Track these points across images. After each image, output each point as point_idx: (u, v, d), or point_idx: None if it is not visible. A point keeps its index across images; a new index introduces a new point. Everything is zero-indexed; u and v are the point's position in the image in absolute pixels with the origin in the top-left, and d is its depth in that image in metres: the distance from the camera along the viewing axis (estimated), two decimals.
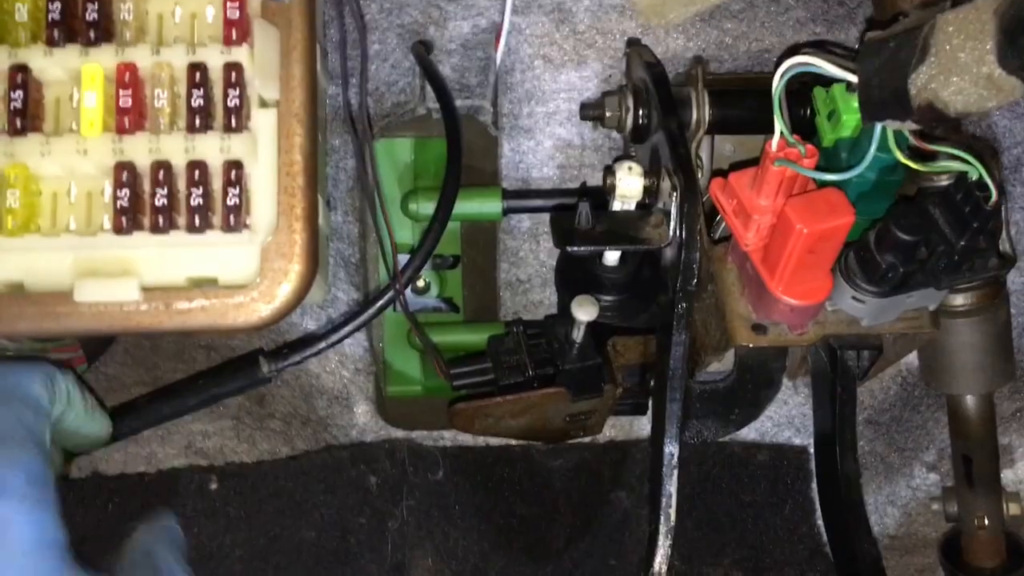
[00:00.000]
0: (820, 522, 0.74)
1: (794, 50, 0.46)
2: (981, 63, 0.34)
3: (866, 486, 0.75)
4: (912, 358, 0.72)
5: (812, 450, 0.72)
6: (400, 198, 0.67)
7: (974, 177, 0.44)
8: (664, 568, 0.54)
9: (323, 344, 0.54)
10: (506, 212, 0.67)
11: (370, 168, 0.64)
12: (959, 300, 0.61)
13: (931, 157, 0.45)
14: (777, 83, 0.44)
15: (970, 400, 0.66)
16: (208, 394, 0.54)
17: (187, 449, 0.64)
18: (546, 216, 0.71)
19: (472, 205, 0.66)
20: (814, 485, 0.73)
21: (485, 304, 0.72)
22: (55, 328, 0.43)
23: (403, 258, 0.66)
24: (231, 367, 0.54)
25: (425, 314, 0.70)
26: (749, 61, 0.69)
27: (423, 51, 0.66)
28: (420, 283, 0.71)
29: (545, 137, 0.71)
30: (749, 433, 0.75)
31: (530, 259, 0.73)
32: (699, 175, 0.57)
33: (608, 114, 0.60)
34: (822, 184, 0.47)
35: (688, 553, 0.71)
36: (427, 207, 0.64)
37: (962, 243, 0.46)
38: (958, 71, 0.35)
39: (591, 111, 0.62)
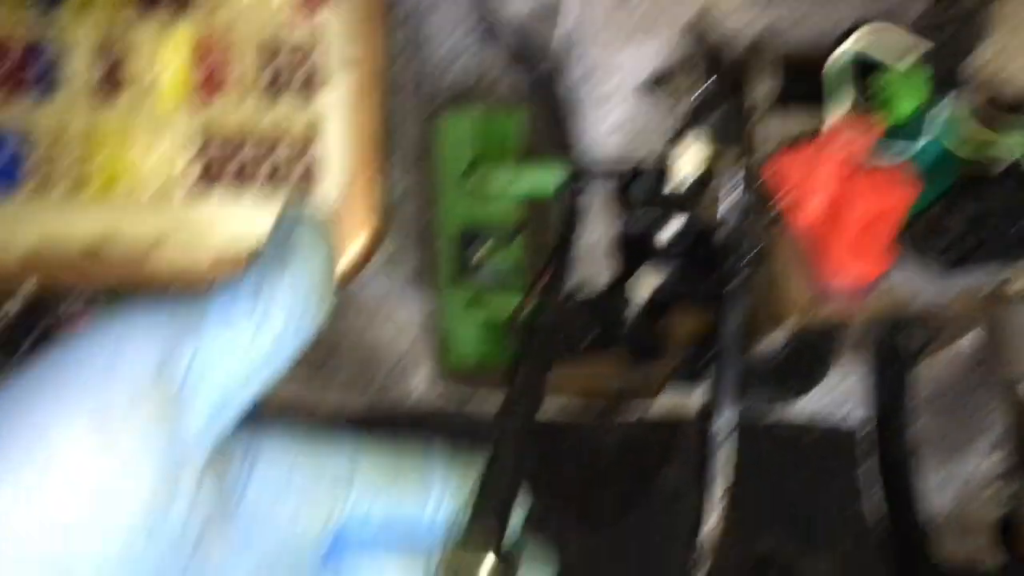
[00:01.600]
0: (871, 503, 0.74)
1: (859, 27, 0.46)
2: None
3: (922, 466, 0.75)
4: (977, 340, 0.71)
5: (866, 430, 0.73)
6: (462, 170, 0.69)
7: None
8: (714, 534, 0.55)
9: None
10: (566, 186, 0.68)
11: (433, 140, 0.65)
12: (1021, 281, 0.61)
13: (996, 134, 0.45)
14: (840, 59, 0.45)
15: None
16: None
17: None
18: (606, 190, 0.72)
19: (532, 179, 0.67)
20: (865, 465, 0.73)
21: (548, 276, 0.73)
22: (135, 285, 0.45)
23: (466, 231, 0.68)
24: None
25: (486, 282, 0.72)
26: (818, 38, 0.69)
27: (490, 24, 0.67)
28: (480, 256, 0.72)
29: (607, 112, 0.71)
30: (803, 411, 0.75)
31: (588, 231, 0.74)
32: (763, 150, 0.58)
33: (672, 88, 0.61)
34: (884, 159, 0.47)
35: (737, 525, 0.72)
36: (492, 181, 0.66)
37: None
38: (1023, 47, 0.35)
39: (655, 86, 0.63)
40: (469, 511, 0.33)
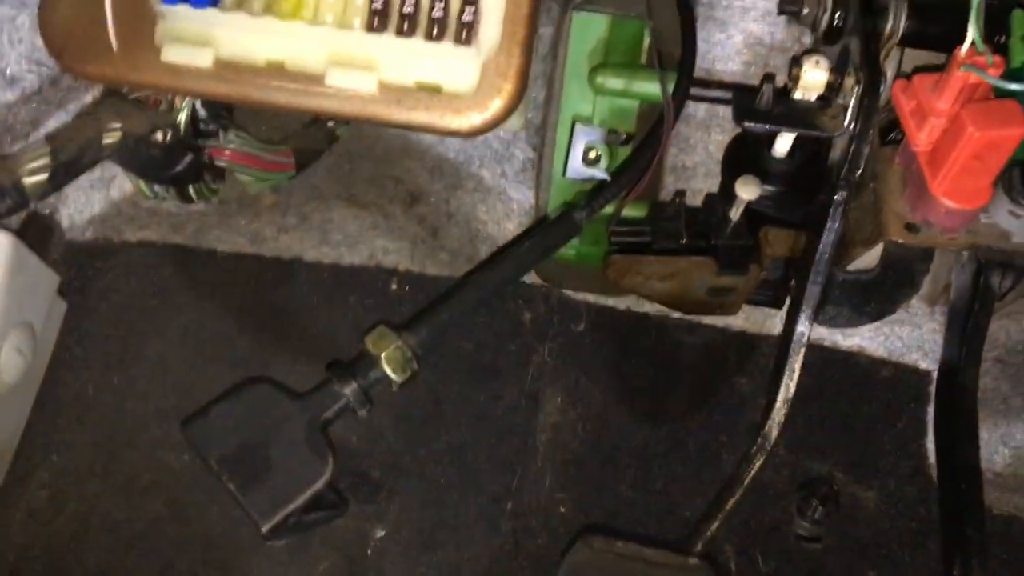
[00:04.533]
0: (929, 446, 0.77)
1: None
2: None
3: (983, 422, 0.76)
4: None
5: (935, 375, 0.75)
6: (589, 71, 0.72)
7: None
8: (774, 434, 0.59)
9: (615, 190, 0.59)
10: (685, 98, 0.71)
11: (567, 33, 0.68)
12: None
13: None
14: None
15: None
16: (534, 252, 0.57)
17: (369, 258, 0.73)
18: (721, 109, 0.75)
19: (651, 86, 0.70)
20: (930, 409, 0.76)
21: (650, 183, 0.76)
22: (304, 104, 0.51)
23: (582, 129, 0.72)
24: (544, 226, 0.59)
25: (592, 183, 0.75)
26: None
27: None
28: (592, 155, 0.76)
29: (736, 31, 0.74)
30: (878, 348, 0.78)
31: (699, 147, 0.77)
32: (887, 80, 0.60)
33: (806, 11, 0.63)
34: (1002, 95, 0.49)
35: (796, 445, 0.76)
36: (614, 82, 0.69)
37: None
38: None
39: (789, 6, 0.65)
40: None
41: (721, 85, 0.73)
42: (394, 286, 0.72)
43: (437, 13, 0.48)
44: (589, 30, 0.73)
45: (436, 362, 0.68)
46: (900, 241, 0.55)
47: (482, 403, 0.72)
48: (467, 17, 0.48)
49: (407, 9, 0.48)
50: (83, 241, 0.75)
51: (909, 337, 0.78)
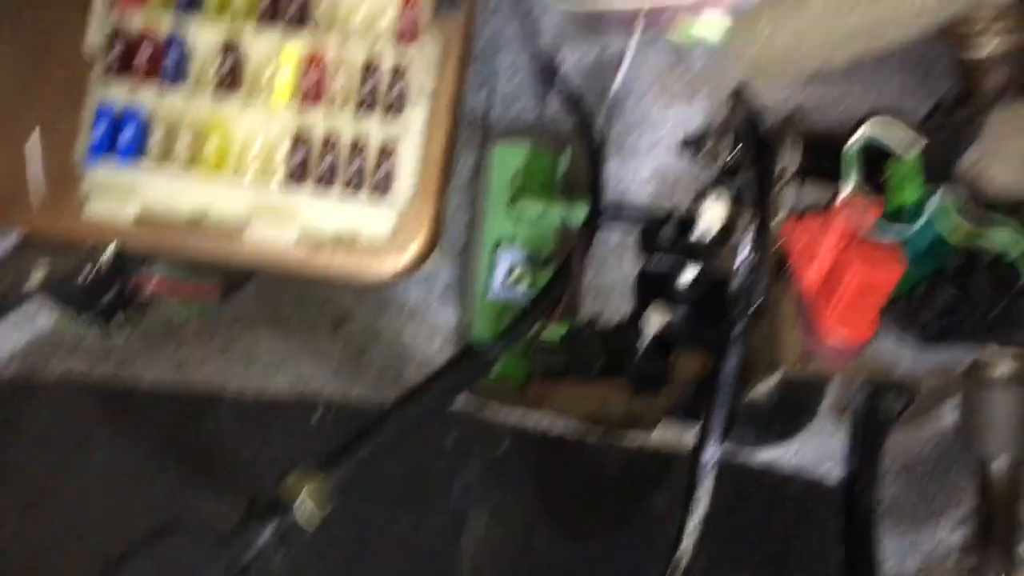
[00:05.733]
0: (839, 555, 0.79)
1: (872, 115, 0.53)
2: (1020, 155, 0.41)
3: (892, 530, 0.80)
4: (953, 419, 0.77)
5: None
6: (510, 197, 0.76)
7: (1012, 257, 0.51)
8: (689, 554, 0.61)
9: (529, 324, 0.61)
10: (598, 223, 0.74)
11: (486, 166, 0.73)
12: (1002, 368, 0.67)
13: (982, 228, 0.51)
14: (852, 142, 0.51)
15: (999, 464, 0.70)
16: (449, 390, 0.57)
17: (295, 383, 0.74)
18: (634, 233, 0.79)
19: (564, 212, 0.74)
20: (837, 523, 0.79)
21: (569, 305, 0.80)
22: (225, 255, 0.53)
23: (504, 251, 0.75)
24: (458, 363, 0.59)
25: (513, 302, 0.78)
26: (844, 119, 0.76)
27: (552, 69, 0.74)
28: (514, 275, 0.79)
29: (646, 162, 0.78)
30: (790, 460, 0.81)
31: (614, 270, 0.81)
32: (779, 215, 0.64)
33: (706, 149, 0.68)
34: (881, 237, 0.53)
35: (713, 558, 0.77)
36: (532, 208, 0.73)
37: (997, 310, 0.52)
38: (1002, 157, 0.42)
39: (691, 145, 0.69)
40: None
41: (632, 212, 0.77)
42: (318, 415, 0.73)
43: (354, 168, 0.51)
44: (509, 160, 0.77)
45: (358, 492, 0.69)
46: (794, 372, 0.58)
47: (406, 530, 0.73)
48: (383, 172, 0.51)
49: (325, 165, 0.51)
50: (2, 378, 0.75)
51: (819, 450, 0.81)
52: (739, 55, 0.38)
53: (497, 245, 0.76)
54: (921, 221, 0.52)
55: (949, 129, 0.46)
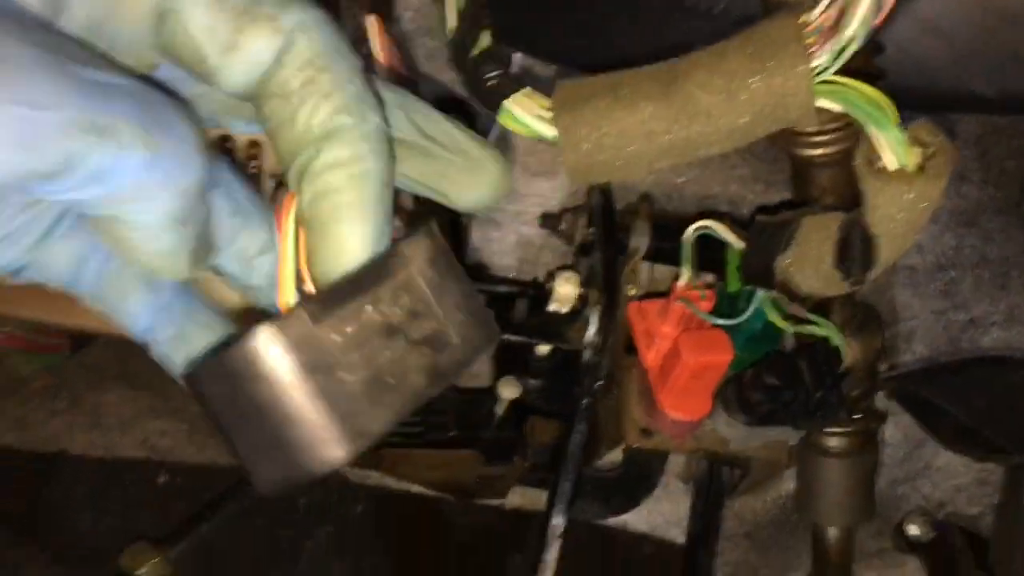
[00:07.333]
0: None
1: (708, 215, 0.56)
2: (822, 260, 0.44)
3: None
4: (793, 486, 0.81)
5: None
6: None
7: (834, 343, 0.54)
8: None
9: None
10: None
11: None
12: (832, 442, 0.71)
13: (801, 320, 0.55)
14: (687, 236, 0.54)
15: (832, 532, 0.75)
16: None
17: (143, 444, 0.73)
18: (496, 301, 0.81)
19: None
20: None
21: None
22: (62, 322, 0.52)
23: None
24: None
25: None
26: (695, 204, 0.80)
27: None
28: None
29: (511, 231, 0.81)
30: (640, 524, 0.84)
31: None
32: (633, 292, 0.67)
33: (563, 226, 0.71)
34: (716, 322, 0.57)
35: None
36: None
37: (818, 395, 0.55)
38: (808, 262, 0.45)
39: (550, 220, 0.72)
40: None
41: (493, 279, 0.79)
42: (164, 478, 0.72)
43: None
44: None
45: (205, 558, 0.68)
46: (636, 445, 0.61)
47: None
48: None
49: None
50: None
51: (669, 513, 0.84)
52: (568, 155, 0.40)
53: None
54: (747, 313, 0.55)
55: (767, 232, 0.50)
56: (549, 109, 0.41)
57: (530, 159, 0.80)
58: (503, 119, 0.43)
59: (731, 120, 0.38)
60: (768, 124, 0.39)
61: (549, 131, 0.41)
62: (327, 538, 0.75)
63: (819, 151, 0.57)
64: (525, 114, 0.42)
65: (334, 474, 0.76)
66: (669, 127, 0.39)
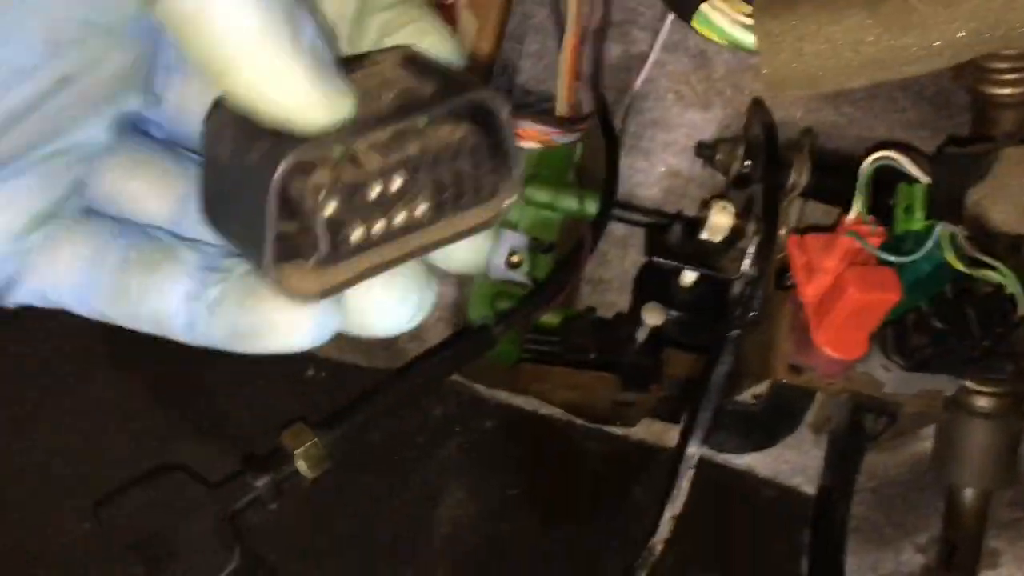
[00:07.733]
0: (804, 566, 0.81)
1: (884, 145, 0.54)
2: (1023, 193, 0.42)
3: (856, 549, 0.82)
4: (930, 445, 0.79)
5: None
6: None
7: (1009, 291, 0.52)
8: (659, 548, 0.63)
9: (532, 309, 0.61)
10: (606, 220, 0.75)
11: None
12: (981, 401, 0.68)
13: (978, 264, 0.53)
14: (865, 166, 0.52)
15: (969, 493, 0.72)
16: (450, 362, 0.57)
17: None
18: (638, 229, 0.80)
19: (575, 203, 0.75)
20: (807, 531, 0.81)
21: (567, 296, 0.81)
22: None
23: (507, 234, 0.76)
24: (462, 338, 0.58)
25: (512, 286, 0.79)
26: (856, 144, 0.77)
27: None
28: (515, 259, 0.80)
29: (659, 162, 0.79)
30: (766, 470, 0.83)
31: (615, 263, 0.82)
32: (783, 230, 0.66)
33: (719, 157, 0.69)
34: (881, 262, 0.55)
35: (682, 557, 0.79)
36: (541, 195, 0.74)
37: (984, 343, 0.53)
38: (1005, 195, 0.43)
39: (705, 150, 0.71)
40: None
41: (640, 209, 0.78)
42: (311, 372, 0.75)
43: None
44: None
45: (343, 451, 0.70)
46: (784, 381, 0.60)
47: (385, 495, 0.74)
48: None
49: None
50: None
51: (795, 462, 0.83)
52: (766, 63, 0.39)
53: (501, 227, 0.77)
54: (921, 252, 0.53)
55: (958, 164, 0.47)
56: (749, 15, 0.40)
57: (683, 88, 0.78)
58: (696, 24, 0.42)
59: (947, 33, 0.37)
60: (987, 41, 0.37)
61: (746, 37, 0.40)
62: (458, 449, 0.76)
63: (1008, 90, 0.54)
64: (722, 18, 0.41)
65: (463, 387, 0.77)
66: (878, 38, 0.37)
